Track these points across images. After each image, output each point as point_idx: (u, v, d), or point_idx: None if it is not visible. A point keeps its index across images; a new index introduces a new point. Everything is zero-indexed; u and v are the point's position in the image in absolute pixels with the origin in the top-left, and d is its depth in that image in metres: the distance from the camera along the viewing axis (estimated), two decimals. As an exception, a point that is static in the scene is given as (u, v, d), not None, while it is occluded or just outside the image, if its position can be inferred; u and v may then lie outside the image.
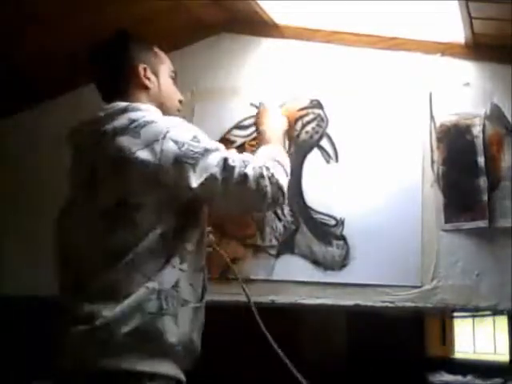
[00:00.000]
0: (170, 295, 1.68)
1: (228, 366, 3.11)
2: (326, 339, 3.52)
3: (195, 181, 1.67)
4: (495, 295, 2.29)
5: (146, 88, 1.88)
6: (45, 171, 2.87)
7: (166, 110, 1.90)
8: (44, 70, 2.61)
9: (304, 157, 2.55)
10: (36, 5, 2.19)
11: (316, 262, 2.47)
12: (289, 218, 2.52)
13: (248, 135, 2.62)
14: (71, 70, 2.68)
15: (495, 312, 2.73)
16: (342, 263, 2.44)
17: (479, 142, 2.36)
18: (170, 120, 1.79)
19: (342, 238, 2.45)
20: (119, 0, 2.30)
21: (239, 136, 2.63)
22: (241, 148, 2.60)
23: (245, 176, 1.72)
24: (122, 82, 1.87)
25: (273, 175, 1.77)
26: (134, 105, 1.78)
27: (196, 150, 1.70)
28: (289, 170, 1.93)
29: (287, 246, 2.51)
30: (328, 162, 2.53)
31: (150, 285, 1.65)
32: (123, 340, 1.60)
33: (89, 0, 2.25)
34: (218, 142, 1.84)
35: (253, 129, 2.61)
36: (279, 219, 2.53)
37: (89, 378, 1.61)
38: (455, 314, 3.97)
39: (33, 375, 2.48)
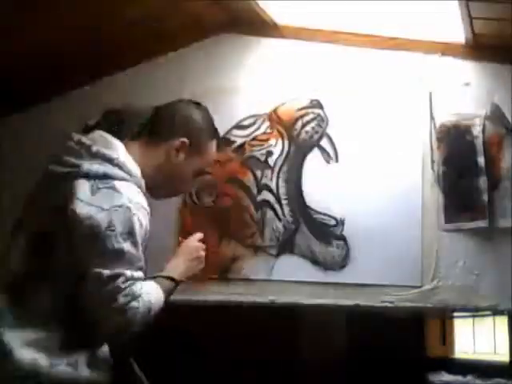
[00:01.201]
0: None
1: (228, 366, 3.10)
2: (326, 339, 3.52)
3: None
4: (495, 295, 2.30)
5: (168, 157, 1.80)
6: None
7: (164, 187, 1.83)
8: (37, 72, 2.59)
9: (304, 157, 2.55)
10: (33, 4, 2.18)
11: (316, 262, 2.47)
12: (289, 218, 2.52)
13: (248, 135, 2.61)
14: (71, 71, 2.68)
15: (495, 312, 2.73)
16: (342, 263, 2.44)
17: (479, 142, 2.36)
18: None
19: (342, 237, 2.46)
20: (119, 0, 2.30)
21: (239, 136, 2.62)
22: (241, 148, 2.61)
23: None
24: (157, 132, 1.81)
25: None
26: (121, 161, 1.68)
27: None
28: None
29: (287, 245, 2.51)
30: (328, 162, 2.53)
31: None
32: None
33: (88, 0, 2.25)
34: None
35: (253, 129, 2.61)
36: (279, 219, 2.53)
37: None
38: (455, 313, 3.96)
39: None
